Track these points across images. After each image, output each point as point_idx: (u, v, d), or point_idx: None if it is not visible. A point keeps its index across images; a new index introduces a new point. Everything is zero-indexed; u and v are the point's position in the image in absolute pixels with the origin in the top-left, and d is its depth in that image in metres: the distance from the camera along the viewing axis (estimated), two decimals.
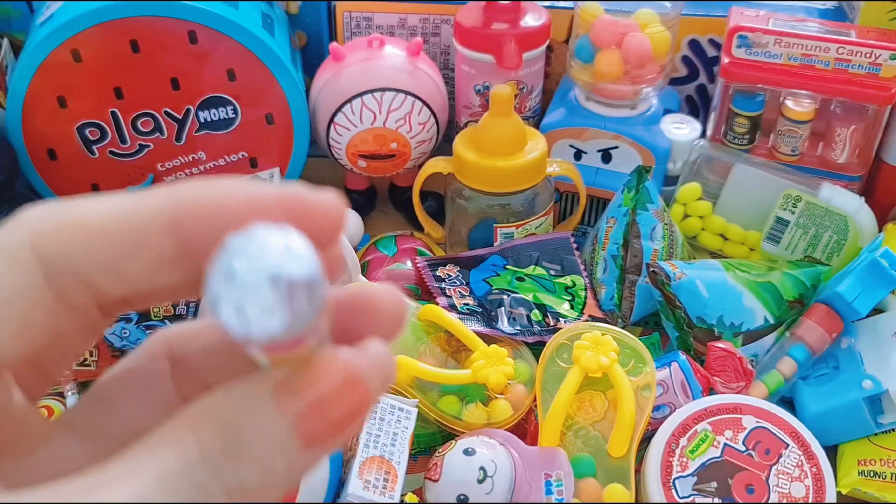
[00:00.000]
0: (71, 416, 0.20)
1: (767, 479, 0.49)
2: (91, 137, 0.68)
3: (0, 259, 0.17)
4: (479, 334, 0.57)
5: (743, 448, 0.50)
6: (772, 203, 0.66)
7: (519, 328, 0.58)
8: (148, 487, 0.15)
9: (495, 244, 0.67)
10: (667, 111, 0.72)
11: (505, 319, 0.59)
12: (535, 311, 0.60)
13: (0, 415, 0.18)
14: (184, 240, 0.17)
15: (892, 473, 0.54)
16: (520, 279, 0.62)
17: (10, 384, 0.18)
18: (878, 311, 0.60)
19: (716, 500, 0.48)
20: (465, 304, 0.60)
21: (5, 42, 0.73)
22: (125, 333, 0.58)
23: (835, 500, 0.48)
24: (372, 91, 0.67)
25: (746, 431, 0.50)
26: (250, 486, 0.16)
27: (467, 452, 0.48)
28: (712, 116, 0.71)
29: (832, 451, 0.56)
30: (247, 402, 0.16)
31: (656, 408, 0.54)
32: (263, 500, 0.16)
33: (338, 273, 0.19)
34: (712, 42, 0.75)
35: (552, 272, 0.64)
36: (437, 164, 0.67)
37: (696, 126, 0.70)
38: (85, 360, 0.57)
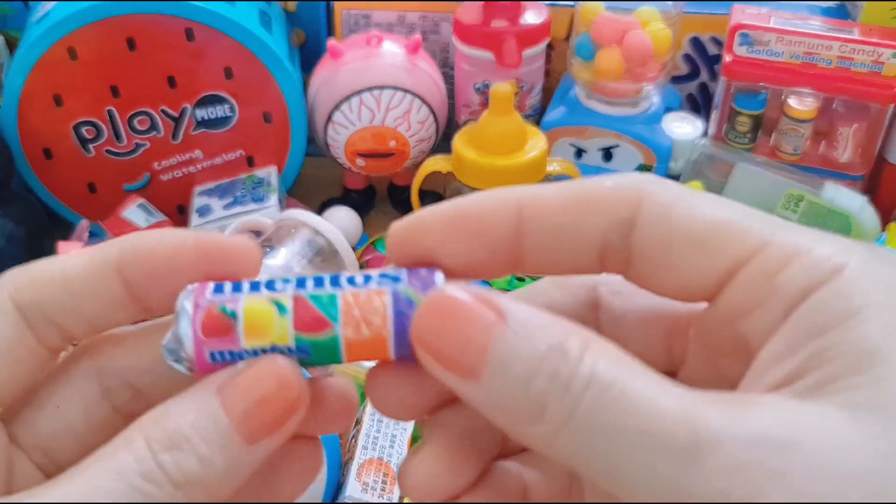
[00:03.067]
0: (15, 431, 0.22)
1: None
2: (87, 136, 0.67)
3: None
4: None
5: None
6: (774, 203, 0.65)
7: None
8: (104, 479, 0.17)
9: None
10: (668, 110, 0.72)
11: None
12: None
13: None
14: (128, 282, 0.20)
15: None
16: (519, 279, 0.62)
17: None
18: None
19: None
20: None
21: (1, 40, 0.73)
22: None
23: None
24: (370, 89, 0.67)
25: None
26: (193, 477, 0.18)
27: None
28: (714, 115, 0.70)
29: None
30: (190, 404, 0.19)
31: None
32: (211, 492, 0.18)
33: None
34: (714, 40, 0.75)
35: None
36: (437, 163, 0.66)
37: (698, 125, 0.70)
38: None
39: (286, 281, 0.20)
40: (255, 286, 0.19)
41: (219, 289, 0.20)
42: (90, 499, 0.17)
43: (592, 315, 0.22)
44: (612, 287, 0.22)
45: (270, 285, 0.19)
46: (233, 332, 0.19)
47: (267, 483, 0.21)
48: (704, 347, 0.21)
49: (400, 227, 0.20)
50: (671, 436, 0.16)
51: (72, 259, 0.21)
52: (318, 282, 0.19)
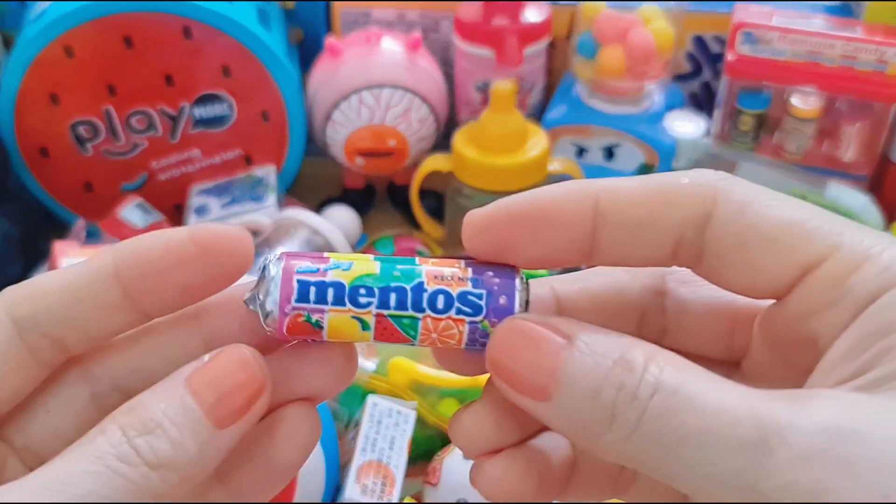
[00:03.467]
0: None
1: None
2: (84, 135, 0.67)
3: None
4: None
5: None
6: None
7: None
8: (83, 462, 0.18)
9: None
10: (670, 108, 0.71)
11: None
12: None
13: None
14: (125, 286, 0.21)
15: None
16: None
17: None
18: None
19: None
20: None
21: None
22: None
23: None
24: (370, 87, 0.66)
25: None
26: (166, 459, 0.19)
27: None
28: (717, 114, 0.70)
29: None
30: (161, 394, 0.19)
31: None
32: (185, 474, 0.19)
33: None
34: (717, 38, 0.75)
35: (553, 271, 0.63)
36: (437, 162, 0.66)
37: (701, 123, 0.69)
38: None
39: (368, 291, 0.20)
40: (338, 296, 0.20)
41: (303, 293, 0.20)
42: (70, 480, 0.18)
43: (658, 301, 0.23)
44: (680, 276, 0.23)
45: (354, 298, 0.20)
46: (317, 335, 0.21)
47: (265, 451, 0.22)
48: (770, 341, 0.21)
49: (478, 217, 0.21)
50: (738, 432, 0.16)
51: (68, 270, 0.21)
52: (400, 301, 0.20)
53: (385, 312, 0.20)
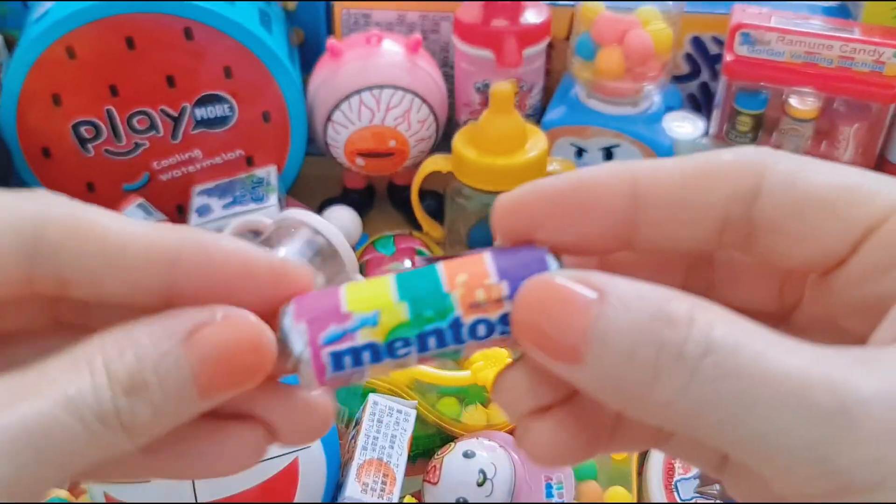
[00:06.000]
0: None
1: None
2: (86, 135, 0.67)
3: (2, 217, 0.19)
4: None
5: None
6: None
7: None
8: (57, 405, 0.17)
9: (495, 243, 0.66)
10: (669, 109, 0.71)
11: None
12: None
13: None
14: (175, 278, 0.19)
15: None
16: None
17: None
18: None
19: (717, 502, 0.47)
20: None
21: None
22: None
23: None
24: (370, 88, 0.67)
25: None
26: (142, 424, 0.17)
27: (467, 455, 0.48)
28: (715, 114, 0.70)
29: None
30: (158, 344, 0.18)
31: None
32: (146, 436, 0.18)
33: None
34: (715, 39, 0.75)
35: None
36: (437, 163, 0.66)
37: (699, 124, 0.70)
38: None
39: (405, 342, 0.19)
40: (375, 355, 0.19)
41: (338, 364, 0.19)
42: (41, 428, 0.16)
43: (707, 255, 0.22)
44: None
45: (392, 352, 0.19)
46: (359, 381, 0.20)
47: (193, 446, 0.20)
48: (824, 302, 0.20)
49: (507, 200, 0.20)
50: (813, 400, 0.15)
51: (120, 225, 0.19)
52: (440, 342, 0.19)
53: (427, 354, 0.19)
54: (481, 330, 0.19)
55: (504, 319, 0.19)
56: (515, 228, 0.20)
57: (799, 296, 0.21)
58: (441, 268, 0.19)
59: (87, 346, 0.18)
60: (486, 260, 0.19)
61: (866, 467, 0.15)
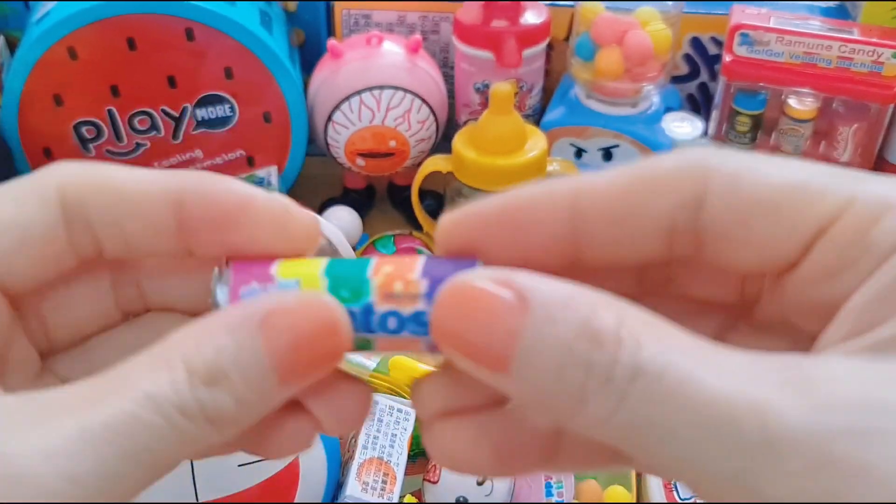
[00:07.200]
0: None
1: None
2: (87, 136, 0.67)
3: (31, 195, 0.19)
4: None
5: None
6: None
7: None
8: (137, 403, 0.17)
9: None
10: (668, 110, 0.72)
11: None
12: None
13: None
14: (183, 218, 0.20)
15: None
16: None
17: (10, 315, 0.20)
18: None
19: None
20: None
21: (1, 39, 0.73)
22: None
23: None
24: (370, 89, 0.67)
25: None
26: (226, 413, 0.17)
27: None
28: (714, 115, 0.70)
29: None
30: (234, 334, 0.18)
31: None
32: (238, 429, 0.18)
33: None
34: (714, 40, 0.75)
35: None
36: (437, 163, 0.66)
37: (698, 125, 0.70)
38: None
39: None
40: None
41: None
42: (124, 427, 0.16)
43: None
44: None
45: None
46: None
47: (259, 436, 0.20)
48: (779, 301, 0.20)
49: (448, 222, 0.20)
50: (738, 427, 0.15)
51: (129, 174, 0.20)
52: (351, 322, 0.19)
53: None
54: (392, 323, 0.19)
55: (417, 319, 0.19)
56: (456, 249, 0.19)
57: (759, 291, 0.21)
58: (375, 259, 0.19)
59: (165, 343, 0.18)
60: (418, 260, 0.19)
61: (791, 498, 0.15)
